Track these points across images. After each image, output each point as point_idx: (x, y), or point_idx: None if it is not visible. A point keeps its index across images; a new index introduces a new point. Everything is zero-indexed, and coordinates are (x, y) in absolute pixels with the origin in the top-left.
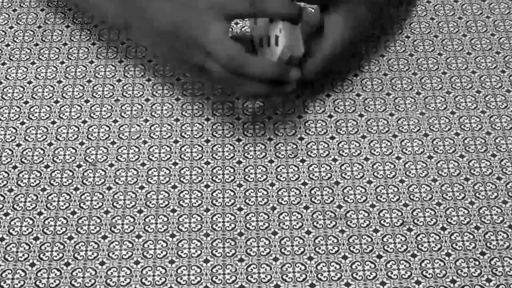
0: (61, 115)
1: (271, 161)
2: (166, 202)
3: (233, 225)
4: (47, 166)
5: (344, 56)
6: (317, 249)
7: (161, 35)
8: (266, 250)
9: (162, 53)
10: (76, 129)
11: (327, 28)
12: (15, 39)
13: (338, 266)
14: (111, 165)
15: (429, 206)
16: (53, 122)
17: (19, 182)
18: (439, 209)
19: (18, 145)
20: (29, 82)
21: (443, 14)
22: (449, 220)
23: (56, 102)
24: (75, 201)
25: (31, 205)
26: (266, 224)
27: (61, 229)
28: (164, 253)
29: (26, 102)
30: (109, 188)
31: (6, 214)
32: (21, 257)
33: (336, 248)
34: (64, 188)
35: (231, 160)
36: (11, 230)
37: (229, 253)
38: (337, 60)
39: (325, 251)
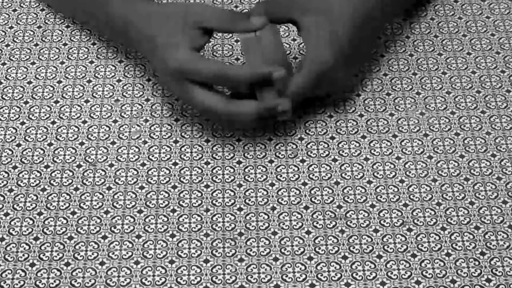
0: (61, 115)
1: (271, 161)
2: (166, 202)
3: (233, 225)
4: (47, 166)
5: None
6: (317, 249)
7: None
8: (266, 250)
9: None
10: (76, 129)
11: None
12: (15, 39)
13: (338, 266)
14: (111, 165)
15: (429, 206)
16: (53, 122)
17: (19, 182)
18: (439, 209)
19: (18, 145)
20: (29, 82)
21: (443, 14)
22: (449, 220)
23: (56, 102)
24: (75, 201)
25: (31, 205)
26: (266, 224)
27: (61, 229)
28: (164, 253)
29: (26, 102)
30: (109, 188)
31: (6, 214)
32: (21, 257)
33: (336, 248)
34: (64, 188)
35: (231, 160)
36: (11, 230)
37: (229, 253)
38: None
39: (325, 251)
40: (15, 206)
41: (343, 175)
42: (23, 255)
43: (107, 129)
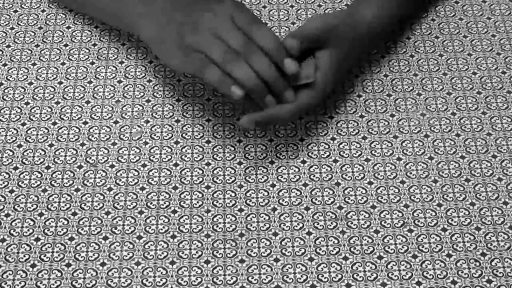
0: (62, 116)
1: (272, 162)
2: (167, 203)
3: (234, 226)
4: (48, 167)
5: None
6: (317, 250)
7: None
8: (267, 251)
9: (159, 36)
10: (77, 130)
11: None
12: (16, 40)
13: (339, 267)
14: (112, 166)
15: (430, 207)
16: (54, 123)
17: (20, 183)
18: (440, 210)
19: (19, 146)
20: (30, 83)
21: (444, 15)
22: (449, 221)
23: (57, 103)
24: (76, 202)
25: (32, 206)
26: (267, 225)
27: (62, 230)
28: (165, 254)
29: (27, 103)
30: (110, 189)
31: (7, 215)
32: (22, 258)
33: (337, 249)
34: (65, 189)
35: (232, 161)
36: (12, 231)
37: (230, 254)
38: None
39: (325, 252)
40: (16, 207)
41: (344, 176)
42: (24, 256)
43: (108, 130)
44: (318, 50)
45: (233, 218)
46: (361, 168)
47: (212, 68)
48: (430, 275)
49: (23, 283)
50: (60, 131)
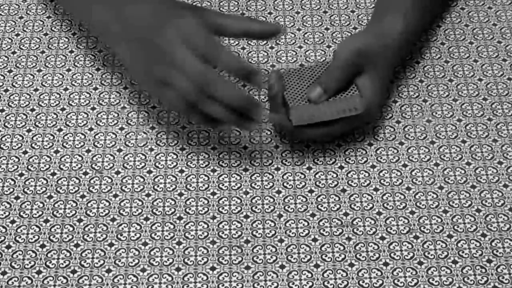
0: (67, 123)
1: (277, 169)
2: (173, 210)
3: (239, 233)
4: (53, 174)
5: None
6: (323, 256)
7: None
8: (272, 257)
9: (131, 63)
10: (83, 136)
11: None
12: (21, 46)
13: (344, 274)
14: (118, 172)
15: (436, 214)
16: (60, 130)
17: (25, 190)
18: (446, 216)
19: (25, 152)
20: (36, 90)
21: (450, 22)
22: (455, 227)
23: (63, 109)
24: (81, 208)
25: (38, 212)
26: (273, 232)
27: (68, 236)
28: (171, 260)
29: (32, 110)
30: (115, 196)
31: (13, 222)
32: (27, 264)
33: (343, 256)
34: (70, 196)
35: (238, 167)
36: (17, 238)
37: (235, 260)
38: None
39: (331, 259)
40: (21, 213)
41: (349, 182)
42: (30, 262)
43: (114, 136)
44: (358, 77)
45: (239, 225)
46: (367, 174)
47: (194, 111)
48: (436, 281)
49: None
50: (65, 137)
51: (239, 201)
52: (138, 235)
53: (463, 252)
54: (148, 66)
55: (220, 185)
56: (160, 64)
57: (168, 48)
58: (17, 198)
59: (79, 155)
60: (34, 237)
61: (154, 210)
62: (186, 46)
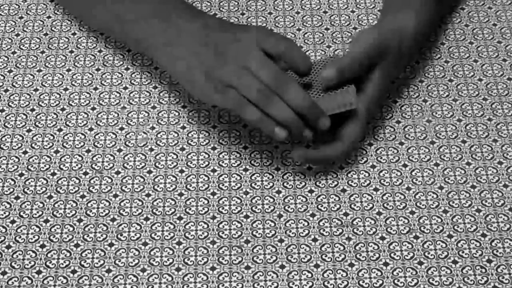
0: (67, 123)
1: (277, 169)
2: (173, 210)
3: (239, 233)
4: (53, 174)
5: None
6: (323, 256)
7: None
8: (272, 257)
9: (187, 71)
10: (83, 136)
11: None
12: (21, 46)
13: (344, 274)
14: (118, 172)
15: (436, 214)
16: (60, 130)
17: (25, 190)
18: (446, 216)
19: (25, 152)
20: (36, 90)
21: (450, 22)
22: (455, 227)
23: (63, 109)
24: (81, 208)
25: (38, 212)
26: (273, 232)
27: (68, 236)
28: (171, 260)
29: (32, 110)
30: (115, 196)
31: (13, 222)
32: (27, 264)
33: (343, 256)
34: (70, 196)
35: (238, 167)
36: (17, 238)
37: (235, 260)
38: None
39: (331, 259)
40: (21, 213)
41: (349, 182)
42: (30, 262)
43: (114, 136)
44: (370, 72)
45: (239, 225)
46: (367, 174)
47: (250, 108)
48: (436, 281)
49: None
50: (65, 137)
51: (239, 201)
52: (138, 235)
53: (463, 252)
54: (210, 70)
55: (220, 185)
56: (229, 65)
57: (242, 51)
58: (17, 198)
59: (79, 155)
60: (34, 237)
61: (154, 210)
62: (260, 49)
